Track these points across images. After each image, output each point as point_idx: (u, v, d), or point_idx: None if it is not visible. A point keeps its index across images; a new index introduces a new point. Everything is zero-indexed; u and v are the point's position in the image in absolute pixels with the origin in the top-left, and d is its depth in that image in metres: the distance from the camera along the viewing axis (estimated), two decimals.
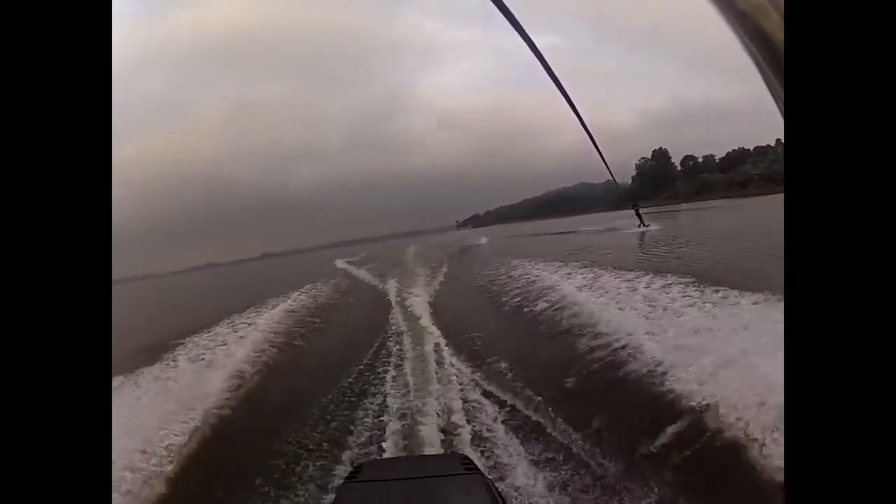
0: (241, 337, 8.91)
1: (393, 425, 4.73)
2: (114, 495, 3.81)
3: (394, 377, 6.16)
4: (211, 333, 9.58)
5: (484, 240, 32.98)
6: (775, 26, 0.54)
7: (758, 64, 0.58)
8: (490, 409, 4.94)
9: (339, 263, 28.35)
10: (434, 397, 5.25)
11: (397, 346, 7.64)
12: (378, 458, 4.15)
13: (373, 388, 5.96)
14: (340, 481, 2.07)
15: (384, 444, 4.38)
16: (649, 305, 6.82)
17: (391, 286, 14.56)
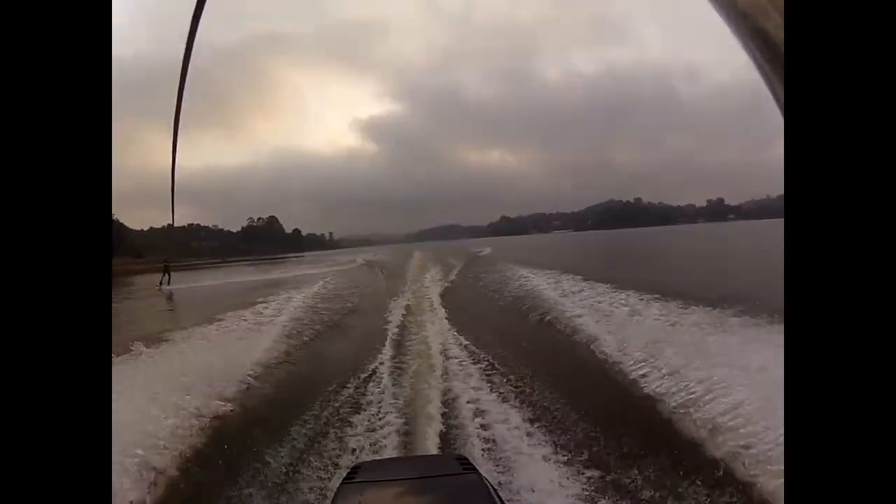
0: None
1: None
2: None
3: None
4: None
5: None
6: (775, 26, 0.54)
7: (758, 64, 0.58)
8: None
9: None
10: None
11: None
12: (376, 458, 4.14)
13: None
14: (338, 482, 2.07)
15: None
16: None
17: None
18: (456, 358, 7.26)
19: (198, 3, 0.75)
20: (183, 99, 0.93)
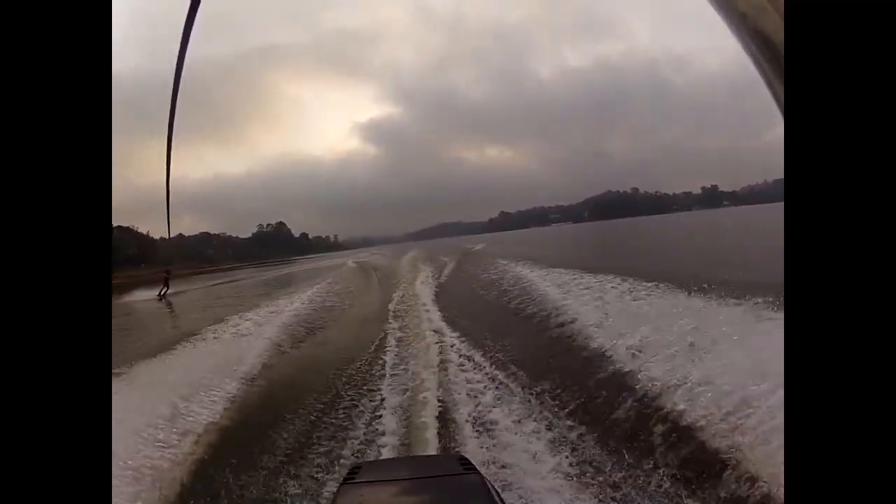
0: None
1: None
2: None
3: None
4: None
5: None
6: (775, 26, 0.54)
7: (758, 64, 0.58)
8: None
9: None
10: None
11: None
12: (376, 458, 4.14)
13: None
14: (338, 483, 2.06)
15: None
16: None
17: None
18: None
19: (188, 18, 0.75)
20: (175, 114, 0.93)
